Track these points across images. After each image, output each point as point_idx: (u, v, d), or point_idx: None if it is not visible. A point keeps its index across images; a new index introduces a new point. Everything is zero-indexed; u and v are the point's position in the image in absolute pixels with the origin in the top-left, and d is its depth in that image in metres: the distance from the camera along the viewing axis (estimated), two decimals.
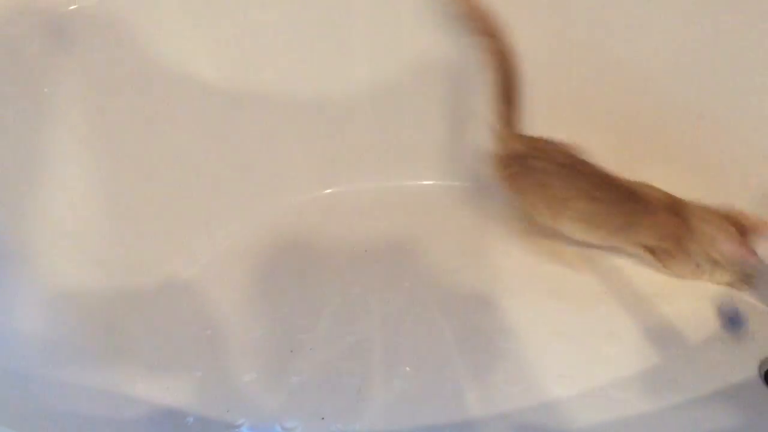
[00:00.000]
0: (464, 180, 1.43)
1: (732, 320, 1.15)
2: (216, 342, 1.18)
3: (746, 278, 1.18)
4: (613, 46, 1.23)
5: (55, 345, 1.04)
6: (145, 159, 1.21)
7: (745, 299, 1.18)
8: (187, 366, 1.15)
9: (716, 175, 1.21)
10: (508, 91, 1.16)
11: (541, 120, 1.20)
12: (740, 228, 1.04)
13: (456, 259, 1.31)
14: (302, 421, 1.07)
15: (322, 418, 1.07)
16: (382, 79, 1.30)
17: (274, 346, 1.18)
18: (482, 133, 1.22)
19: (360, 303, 1.24)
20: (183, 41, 1.18)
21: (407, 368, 1.14)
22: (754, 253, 1.02)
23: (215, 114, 1.27)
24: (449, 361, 1.14)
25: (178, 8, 1.16)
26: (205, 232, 1.31)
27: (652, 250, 1.18)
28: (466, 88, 1.29)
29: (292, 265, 1.31)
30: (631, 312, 1.20)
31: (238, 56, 1.24)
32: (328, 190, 1.43)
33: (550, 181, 1.16)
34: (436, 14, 1.22)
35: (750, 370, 1.09)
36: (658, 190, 1.14)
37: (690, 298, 1.20)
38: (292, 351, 1.17)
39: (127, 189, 1.19)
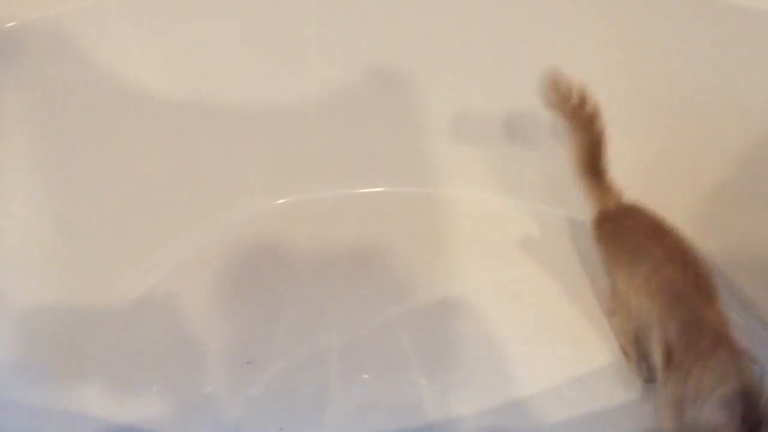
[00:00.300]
0: (417, 186, 1.44)
1: None
2: (172, 356, 1.17)
3: None
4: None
5: (6, 366, 1.02)
6: (95, 174, 1.20)
7: None
8: (144, 381, 1.14)
9: None
10: (596, 152, 1.11)
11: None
12: None
13: (412, 266, 1.32)
14: None
15: (281, 429, 1.07)
16: (335, 88, 1.31)
17: (231, 358, 1.17)
18: (432, 139, 1.23)
19: (317, 312, 1.24)
20: (131, 55, 1.18)
21: (365, 376, 1.14)
22: None
23: (167, 126, 1.26)
24: (407, 368, 1.15)
25: (124, 22, 1.15)
26: (160, 246, 1.30)
27: (669, 351, 0.95)
28: (416, 95, 1.30)
29: (248, 275, 1.30)
30: (586, 313, 1.22)
31: (188, 68, 1.24)
32: (283, 200, 1.43)
33: (632, 244, 1.07)
34: (389, 23, 1.24)
35: None
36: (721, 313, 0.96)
37: None
38: (249, 362, 1.16)
39: (77, 206, 1.18)
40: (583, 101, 1.06)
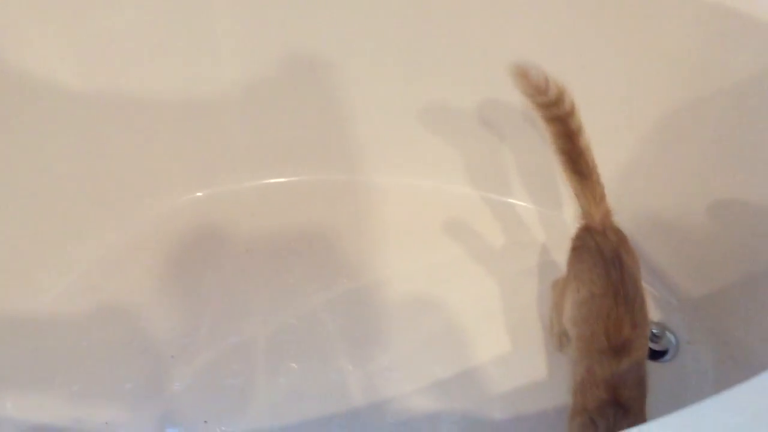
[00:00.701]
0: (340, 173, 1.43)
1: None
2: (93, 353, 1.14)
3: None
4: None
5: None
6: (6, 173, 1.15)
7: None
8: (63, 381, 1.11)
9: None
10: (576, 160, 1.02)
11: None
12: None
13: (338, 253, 1.32)
14: (184, 428, 1.06)
15: (205, 422, 1.06)
16: (252, 76, 1.29)
17: (155, 353, 1.15)
18: (354, 125, 1.23)
19: (243, 303, 1.23)
20: (40, 49, 1.13)
21: (292, 365, 1.14)
22: None
23: (81, 122, 1.22)
24: (334, 354, 1.16)
25: (29, 14, 1.11)
26: (77, 244, 1.26)
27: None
28: (336, 81, 1.30)
29: (170, 269, 1.28)
30: (511, 294, 1.25)
31: (100, 61, 1.20)
32: (204, 192, 1.40)
33: (586, 261, 1.02)
34: (304, 8, 1.23)
35: None
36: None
37: None
38: (173, 356, 1.14)
39: None
40: (554, 93, 0.98)
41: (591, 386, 0.93)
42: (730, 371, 1.12)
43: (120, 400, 1.09)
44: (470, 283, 1.27)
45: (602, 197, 1.03)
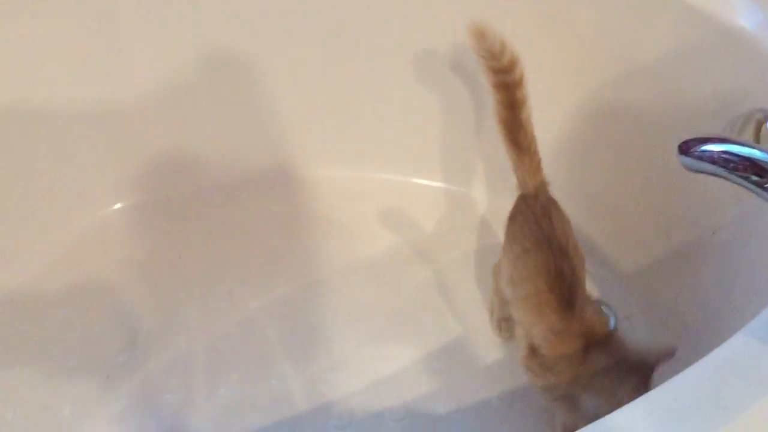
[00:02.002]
0: (268, 170, 1.39)
1: None
2: (25, 378, 1.11)
3: None
4: None
5: None
6: None
7: None
8: None
9: None
10: (516, 131, 1.03)
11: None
12: None
13: (272, 253, 1.29)
14: None
15: None
16: (167, 82, 1.24)
17: (89, 374, 1.11)
18: (279, 120, 1.20)
19: (176, 316, 1.19)
20: None
21: (232, 375, 1.12)
22: None
23: None
24: (275, 360, 1.14)
25: None
26: None
27: (533, 349, 0.97)
28: (253, 79, 1.26)
29: (96, 286, 1.23)
30: (450, 282, 1.25)
31: (8, 71, 1.14)
32: (119, 205, 1.35)
33: (517, 223, 1.03)
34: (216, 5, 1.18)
35: None
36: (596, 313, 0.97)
37: None
38: (108, 377, 1.11)
39: None
40: (507, 60, 0.98)
41: (560, 343, 0.91)
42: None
43: (56, 425, 1.05)
44: (410, 275, 1.26)
45: (538, 168, 1.04)
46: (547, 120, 1.23)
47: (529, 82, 1.17)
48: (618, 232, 1.23)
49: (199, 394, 1.09)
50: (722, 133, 0.97)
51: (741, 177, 0.66)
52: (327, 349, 1.15)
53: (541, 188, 1.04)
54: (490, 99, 1.03)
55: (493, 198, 1.36)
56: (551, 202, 1.02)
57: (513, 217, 1.04)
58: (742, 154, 0.65)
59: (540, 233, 0.97)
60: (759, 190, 0.67)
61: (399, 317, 1.20)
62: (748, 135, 0.95)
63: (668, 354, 0.84)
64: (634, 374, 0.85)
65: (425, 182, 1.40)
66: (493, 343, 1.15)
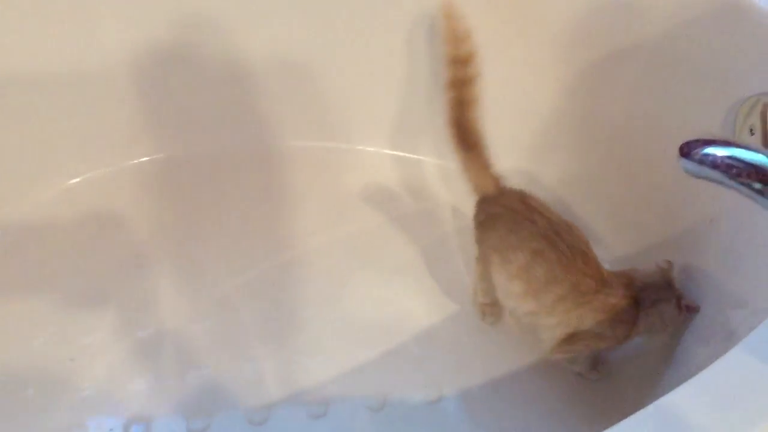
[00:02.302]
0: (242, 142, 1.33)
1: None
2: None
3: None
4: None
5: None
6: None
7: None
8: None
9: None
10: (464, 131, 1.03)
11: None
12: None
13: (246, 231, 1.24)
14: None
15: (111, 430, 1.00)
16: (138, 49, 1.17)
17: (53, 356, 1.07)
18: (253, 90, 1.12)
19: (145, 297, 1.14)
20: None
21: (203, 359, 1.08)
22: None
23: None
24: (248, 344, 1.10)
25: None
26: None
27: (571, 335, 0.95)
28: (222, 48, 1.19)
29: (63, 264, 1.18)
30: (432, 263, 1.20)
31: None
32: (89, 174, 1.28)
33: (500, 227, 0.99)
34: None
35: None
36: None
37: None
38: (72, 359, 1.06)
39: None
40: (467, 50, 1.01)
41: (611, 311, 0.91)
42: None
43: (18, 411, 1.01)
44: (390, 253, 1.22)
45: (489, 164, 1.03)
46: (540, 100, 1.18)
47: (521, 58, 1.13)
48: (612, 216, 1.18)
49: (168, 379, 1.05)
50: (726, 118, 0.92)
51: (743, 184, 0.61)
52: (303, 331, 1.11)
53: (498, 184, 1.03)
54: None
55: None
56: (522, 194, 1.00)
57: (486, 225, 1.01)
58: (747, 159, 0.60)
59: (541, 228, 0.93)
60: (760, 197, 0.62)
61: (378, 298, 1.16)
62: (754, 120, 0.90)
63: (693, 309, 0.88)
64: (671, 294, 0.90)
65: (404, 155, 1.35)
66: (477, 329, 1.12)
